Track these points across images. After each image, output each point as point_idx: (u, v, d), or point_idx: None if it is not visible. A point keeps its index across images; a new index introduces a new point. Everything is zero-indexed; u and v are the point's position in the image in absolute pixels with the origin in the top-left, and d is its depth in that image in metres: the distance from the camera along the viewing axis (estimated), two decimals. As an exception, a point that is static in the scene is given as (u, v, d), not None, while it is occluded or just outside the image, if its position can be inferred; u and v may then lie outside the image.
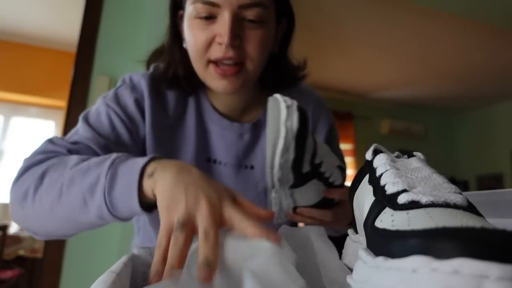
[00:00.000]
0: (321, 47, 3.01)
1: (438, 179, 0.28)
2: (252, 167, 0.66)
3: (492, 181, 4.21)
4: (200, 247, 0.29)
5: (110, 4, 1.91)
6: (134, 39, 1.91)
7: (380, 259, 0.21)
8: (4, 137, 3.64)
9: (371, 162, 0.33)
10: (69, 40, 3.27)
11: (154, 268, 0.30)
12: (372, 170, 0.32)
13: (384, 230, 0.24)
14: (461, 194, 0.25)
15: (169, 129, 0.62)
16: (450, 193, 0.25)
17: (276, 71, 0.65)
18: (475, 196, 0.42)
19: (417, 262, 0.17)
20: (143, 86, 0.60)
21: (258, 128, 0.66)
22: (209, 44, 0.53)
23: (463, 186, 4.49)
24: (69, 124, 1.76)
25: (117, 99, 0.58)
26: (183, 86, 0.62)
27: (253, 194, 0.65)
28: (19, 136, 3.68)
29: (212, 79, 0.56)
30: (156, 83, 0.62)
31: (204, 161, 0.64)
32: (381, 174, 0.30)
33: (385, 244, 0.23)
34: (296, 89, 0.70)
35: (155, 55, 0.68)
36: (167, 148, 0.61)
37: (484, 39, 2.82)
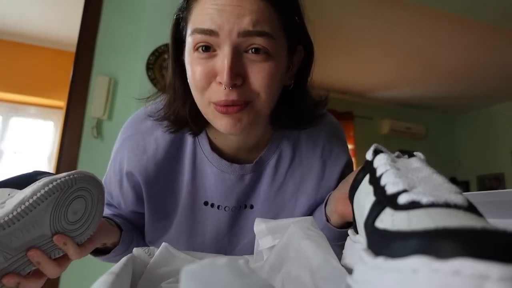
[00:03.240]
0: (321, 47, 3.00)
1: (439, 179, 0.28)
2: (252, 207, 0.62)
3: (493, 181, 4.21)
4: None
5: (109, 4, 1.91)
6: (133, 39, 1.91)
7: (381, 260, 0.21)
8: (3, 137, 3.64)
9: (371, 162, 0.33)
10: (68, 40, 3.27)
11: None
12: (373, 170, 0.32)
13: (384, 230, 0.24)
14: (461, 194, 0.25)
15: (163, 174, 0.59)
16: (450, 193, 0.24)
17: (290, 108, 0.57)
18: (476, 196, 0.42)
19: (417, 263, 0.17)
20: (125, 155, 0.59)
21: (259, 166, 0.61)
22: (209, 82, 0.47)
23: (464, 186, 4.48)
24: (68, 125, 1.76)
25: (110, 183, 0.62)
26: (188, 126, 0.57)
27: (252, 233, 0.61)
28: (18, 136, 3.68)
29: (215, 118, 0.49)
30: (142, 139, 0.59)
31: (201, 205, 0.60)
32: (381, 174, 0.30)
33: (386, 244, 0.23)
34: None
35: (157, 93, 0.63)
36: (163, 194, 0.60)
37: (486, 38, 2.82)
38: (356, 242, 0.35)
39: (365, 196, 0.31)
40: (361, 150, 3.95)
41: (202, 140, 0.59)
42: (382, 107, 4.40)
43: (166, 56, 1.82)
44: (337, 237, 0.54)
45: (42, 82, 3.51)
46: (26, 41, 3.50)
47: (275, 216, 0.62)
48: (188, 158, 0.59)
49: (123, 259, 0.37)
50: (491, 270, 0.15)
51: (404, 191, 0.26)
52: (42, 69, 3.52)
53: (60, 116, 3.59)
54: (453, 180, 4.56)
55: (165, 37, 1.96)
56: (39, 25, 3.22)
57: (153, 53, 1.80)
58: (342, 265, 0.34)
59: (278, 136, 0.62)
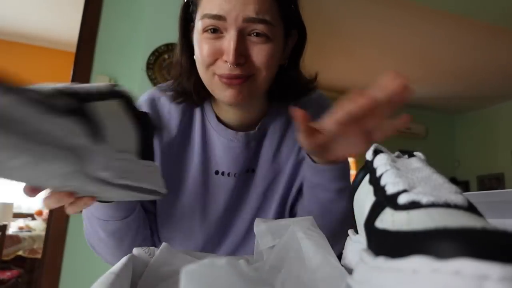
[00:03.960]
0: (322, 47, 3.01)
1: (439, 179, 0.27)
2: (253, 170, 0.66)
3: (494, 182, 4.21)
4: None
5: (109, 4, 1.91)
6: (133, 39, 1.91)
7: (381, 260, 0.21)
8: (3, 137, 3.64)
9: (371, 162, 0.33)
10: (68, 40, 3.27)
11: None
12: (373, 170, 0.32)
13: (384, 230, 0.24)
14: (461, 194, 0.25)
15: (175, 146, 0.64)
16: (450, 193, 0.24)
17: (284, 84, 0.64)
18: (476, 196, 0.42)
19: (417, 263, 0.17)
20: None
21: (262, 132, 0.66)
22: (215, 58, 0.54)
23: (464, 186, 4.48)
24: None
25: None
26: (191, 98, 0.62)
27: (252, 196, 0.65)
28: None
29: (219, 89, 0.56)
30: (155, 104, 0.64)
31: (213, 174, 0.64)
32: (382, 174, 0.29)
33: (386, 244, 0.23)
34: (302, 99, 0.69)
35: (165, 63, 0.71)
36: (174, 165, 0.63)
37: (486, 38, 2.82)
38: (356, 242, 0.35)
39: (365, 196, 0.31)
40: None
41: (209, 113, 0.65)
42: (382, 107, 4.40)
43: (166, 56, 1.82)
44: (337, 176, 0.56)
45: (42, 82, 3.51)
46: (26, 41, 3.50)
47: (273, 179, 0.67)
48: (198, 130, 0.64)
49: (123, 259, 0.37)
50: (491, 270, 0.15)
51: (404, 191, 0.25)
52: (42, 69, 3.52)
53: (60, 116, 3.59)
54: (453, 180, 4.56)
55: (165, 37, 1.96)
56: (40, 25, 3.22)
57: (153, 53, 1.80)
58: (342, 265, 0.34)
59: (274, 109, 0.68)
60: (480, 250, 0.15)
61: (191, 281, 0.20)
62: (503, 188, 3.98)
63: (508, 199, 0.39)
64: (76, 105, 0.32)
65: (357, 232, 0.36)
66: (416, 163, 0.31)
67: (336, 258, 0.34)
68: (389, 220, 0.24)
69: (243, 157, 0.65)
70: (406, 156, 0.34)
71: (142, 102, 0.64)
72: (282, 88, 0.64)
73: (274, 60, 0.56)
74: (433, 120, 4.66)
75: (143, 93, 0.67)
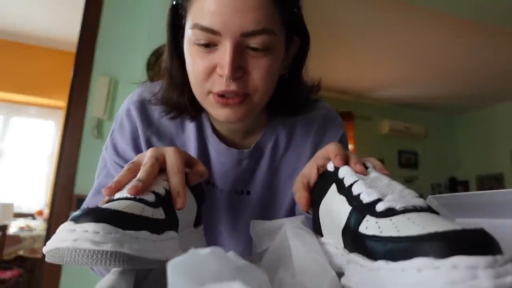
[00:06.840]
0: (321, 47, 3.01)
1: (398, 186, 0.31)
2: (248, 193, 0.62)
3: (493, 182, 4.21)
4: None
5: (109, 5, 1.91)
6: (133, 39, 1.91)
7: (381, 263, 0.24)
8: (3, 137, 3.64)
9: (334, 173, 0.36)
10: (69, 40, 3.27)
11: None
12: (339, 181, 0.34)
13: (374, 236, 0.27)
14: (420, 198, 0.29)
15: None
16: (413, 198, 0.29)
17: (284, 96, 0.58)
18: (476, 196, 0.42)
19: (420, 263, 0.21)
20: (135, 117, 0.59)
21: (258, 151, 0.61)
22: (209, 73, 0.48)
23: (463, 186, 4.48)
24: (68, 125, 1.76)
25: (116, 149, 0.60)
26: (186, 112, 0.58)
27: (248, 220, 0.61)
28: (19, 136, 3.69)
29: (213, 107, 0.51)
30: (145, 108, 0.60)
31: (204, 183, 0.60)
32: (352, 184, 0.32)
33: (382, 249, 0.25)
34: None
35: (158, 65, 0.66)
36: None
37: (485, 39, 2.82)
38: (325, 243, 0.37)
39: (336, 204, 0.33)
40: (360, 150, 3.95)
41: (206, 122, 0.60)
42: (381, 107, 4.40)
43: (166, 56, 1.82)
44: None
45: (42, 82, 3.52)
46: (27, 41, 3.50)
47: (271, 200, 0.62)
48: (193, 138, 0.60)
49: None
50: (479, 261, 0.20)
51: (379, 199, 0.29)
52: (43, 69, 3.52)
53: (61, 116, 3.59)
54: (453, 180, 4.56)
55: (165, 37, 1.96)
56: (40, 25, 3.23)
57: (153, 53, 1.80)
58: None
59: (275, 121, 0.62)
60: (468, 248, 0.20)
61: (178, 272, 0.20)
62: (503, 188, 3.98)
63: (508, 199, 0.40)
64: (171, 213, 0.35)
65: (320, 235, 0.39)
66: (373, 173, 0.35)
67: (324, 257, 0.35)
68: (374, 226, 0.27)
69: (233, 175, 0.60)
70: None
71: (131, 104, 0.60)
72: (282, 100, 0.59)
73: (273, 75, 0.51)
74: (433, 120, 4.66)
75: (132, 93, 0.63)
